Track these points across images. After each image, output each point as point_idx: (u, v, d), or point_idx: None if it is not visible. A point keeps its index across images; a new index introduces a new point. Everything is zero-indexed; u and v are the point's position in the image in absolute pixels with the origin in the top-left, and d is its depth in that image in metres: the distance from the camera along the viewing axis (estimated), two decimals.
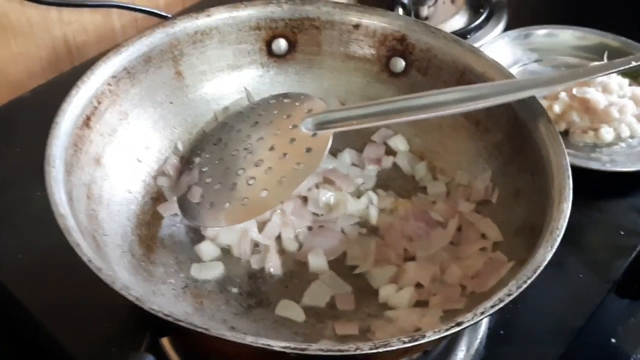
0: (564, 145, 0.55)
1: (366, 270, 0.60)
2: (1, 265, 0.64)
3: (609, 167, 0.74)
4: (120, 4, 0.95)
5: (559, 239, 0.49)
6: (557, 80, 0.60)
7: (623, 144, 0.78)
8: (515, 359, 0.61)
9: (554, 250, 0.48)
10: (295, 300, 0.57)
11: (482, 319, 0.44)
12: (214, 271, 0.59)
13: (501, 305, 0.45)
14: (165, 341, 0.58)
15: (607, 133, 0.77)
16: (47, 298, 0.62)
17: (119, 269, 0.53)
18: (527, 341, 0.63)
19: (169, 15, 0.97)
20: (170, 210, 0.62)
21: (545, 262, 0.47)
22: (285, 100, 0.63)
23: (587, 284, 0.67)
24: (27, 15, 0.86)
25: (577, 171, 0.71)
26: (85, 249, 0.46)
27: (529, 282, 0.46)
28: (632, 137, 0.79)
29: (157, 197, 0.63)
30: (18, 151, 0.76)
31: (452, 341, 0.61)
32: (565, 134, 0.79)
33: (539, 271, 0.47)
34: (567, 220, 0.50)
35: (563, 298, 0.66)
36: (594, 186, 0.74)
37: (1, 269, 0.64)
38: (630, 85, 0.82)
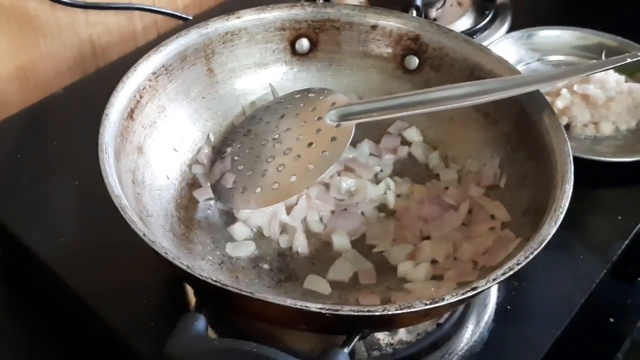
0: (565, 134, 0.60)
1: (385, 249, 0.65)
2: (45, 248, 0.69)
3: (608, 158, 0.79)
4: (142, 7, 0.99)
5: (561, 216, 0.54)
6: (559, 76, 0.64)
7: (621, 136, 0.83)
8: (521, 333, 0.66)
9: (557, 225, 0.53)
10: (322, 275, 0.62)
11: (494, 284, 0.49)
12: (247, 249, 0.64)
13: (511, 272, 0.50)
14: None
15: (606, 127, 0.82)
16: (88, 277, 0.67)
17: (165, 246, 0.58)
18: (532, 316, 0.67)
19: (189, 17, 1.02)
20: (205, 195, 0.67)
21: (550, 236, 0.52)
22: (309, 95, 0.68)
23: (587, 265, 0.71)
24: (56, 17, 0.91)
25: (579, 161, 0.76)
26: (139, 225, 0.51)
27: (535, 253, 0.51)
28: (628, 129, 0.84)
29: (192, 183, 0.68)
30: (55, 144, 0.81)
31: (463, 316, 0.66)
32: (567, 127, 0.83)
33: (544, 244, 0.52)
34: (569, 199, 0.55)
35: (565, 277, 0.71)
36: (594, 175, 0.79)
37: (45, 252, 0.69)
38: (626, 81, 0.86)
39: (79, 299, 0.66)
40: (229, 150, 0.68)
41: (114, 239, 0.66)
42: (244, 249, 0.64)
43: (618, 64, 0.65)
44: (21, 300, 0.74)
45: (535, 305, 0.69)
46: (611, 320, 0.81)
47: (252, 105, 0.73)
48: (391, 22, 0.72)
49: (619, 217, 0.76)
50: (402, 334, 0.64)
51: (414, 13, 0.73)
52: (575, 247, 0.73)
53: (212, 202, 0.67)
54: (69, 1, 0.90)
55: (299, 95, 0.69)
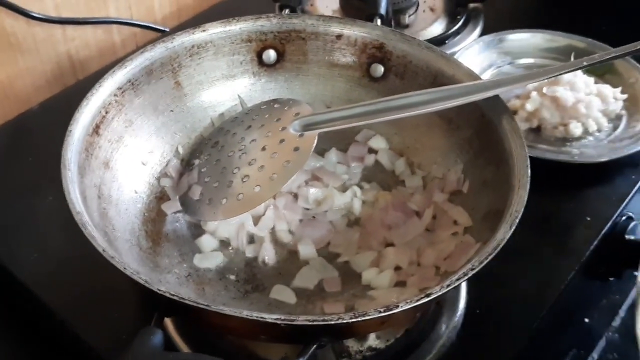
0: (524, 139, 0.61)
1: (349, 258, 0.65)
2: (19, 264, 0.70)
3: (577, 159, 0.80)
4: (120, 20, 1.00)
5: (517, 220, 0.54)
6: (517, 80, 0.66)
7: (591, 138, 0.84)
8: (491, 336, 0.67)
9: (512, 230, 0.54)
10: (288, 285, 0.63)
11: (448, 290, 0.50)
12: (215, 260, 0.65)
13: (465, 278, 0.51)
14: (169, 326, 0.64)
15: (575, 128, 0.83)
16: (61, 291, 0.68)
17: (128, 261, 0.59)
18: (502, 319, 0.68)
19: (166, 29, 1.02)
20: (173, 208, 0.68)
21: (504, 241, 0.53)
22: (275, 106, 0.69)
23: (556, 266, 0.72)
24: (33, 33, 0.91)
25: (549, 163, 0.78)
26: (99, 241, 0.52)
27: (489, 258, 0.52)
28: (599, 130, 0.84)
29: (160, 197, 0.69)
30: (30, 160, 0.82)
31: (432, 321, 0.67)
32: (537, 129, 0.84)
33: (498, 249, 0.53)
34: (524, 203, 0.56)
35: (534, 279, 0.71)
36: (565, 177, 0.80)
37: (19, 268, 0.70)
38: (596, 82, 0.87)
39: (52, 312, 0.67)
40: (196, 162, 0.69)
41: (88, 254, 0.66)
42: (211, 260, 0.65)
43: (572, 69, 0.66)
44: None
45: (505, 308, 0.69)
46: (586, 320, 0.82)
47: (220, 117, 0.74)
48: (355, 31, 0.73)
49: (588, 218, 0.76)
50: (372, 340, 0.64)
51: (379, 22, 0.74)
52: (544, 249, 0.74)
53: (179, 214, 0.68)
54: (44, 17, 0.91)
55: (265, 107, 0.70)
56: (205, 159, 0.68)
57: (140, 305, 0.66)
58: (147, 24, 1.03)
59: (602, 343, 0.82)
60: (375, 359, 0.64)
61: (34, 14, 0.89)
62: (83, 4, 0.95)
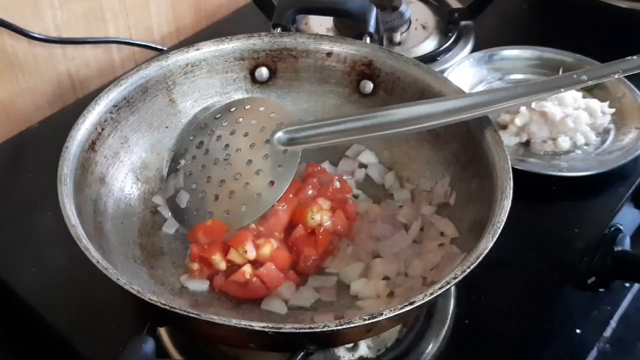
0: (507, 152, 0.62)
1: (338, 270, 0.67)
2: (18, 278, 0.72)
3: (566, 173, 0.81)
4: (119, 40, 1.02)
5: (499, 230, 0.56)
6: (513, 97, 0.67)
7: (579, 151, 0.85)
8: (480, 346, 0.68)
9: (494, 239, 0.55)
10: (281, 297, 0.64)
11: (432, 299, 0.51)
12: (200, 285, 0.65)
13: (448, 287, 0.52)
14: (164, 335, 0.65)
15: (564, 142, 0.84)
16: (58, 304, 0.69)
17: (123, 273, 0.60)
18: (490, 329, 0.69)
19: (164, 48, 1.05)
20: (173, 228, 0.69)
21: (487, 250, 0.54)
22: (260, 109, 0.70)
23: (545, 277, 0.73)
24: (33, 53, 0.93)
25: (538, 177, 0.80)
26: (93, 252, 0.53)
27: (472, 267, 0.53)
28: (587, 144, 0.86)
29: (155, 211, 0.71)
30: (30, 177, 0.84)
31: (422, 331, 0.68)
32: (527, 144, 0.86)
33: (480, 258, 0.54)
34: (507, 214, 0.57)
35: (523, 290, 0.73)
36: (554, 190, 0.81)
37: (18, 282, 0.71)
38: (584, 97, 0.88)
39: (50, 325, 0.68)
40: (182, 162, 0.70)
41: (85, 268, 0.68)
42: (197, 285, 0.65)
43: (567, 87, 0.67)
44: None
45: (494, 319, 0.71)
46: (577, 331, 0.83)
47: (204, 111, 0.75)
48: (345, 49, 0.75)
49: (576, 230, 0.78)
50: (363, 350, 0.66)
51: (368, 39, 0.76)
52: (533, 261, 0.75)
53: (172, 230, 0.69)
54: (44, 37, 0.93)
55: (249, 107, 0.71)
56: (191, 162, 0.69)
57: (136, 318, 0.68)
58: (145, 43, 1.05)
59: (593, 353, 0.83)
60: None
61: (35, 35, 0.91)
62: (83, 24, 0.97)
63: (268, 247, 0.64)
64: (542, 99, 0.73)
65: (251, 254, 0.63)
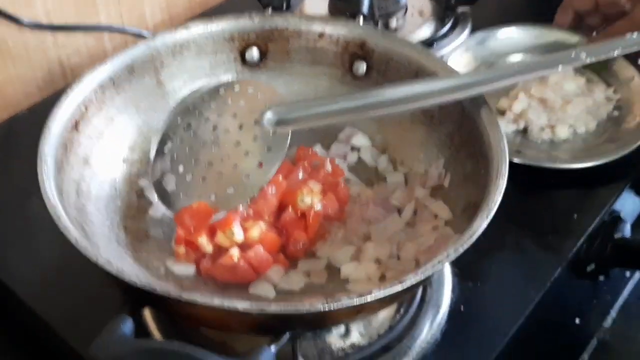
0: (502, 131, 0.60)
1: (329, 254, 0.65)
2: (4, 265, 0.70)
3: (562, 165, 0.78)
4: (111, 27, 1.01)
5: (494, 209, 0.54)
6: (509, 74, 0.65)
7: (579, 140, 0.82)
8: (475, 333, 0.66)
9: (489, 219, 0.53)
10: (267, 280, 0.63)
11: (423, 279, 0.49)
12: (186, 270, 0.63)
13: (440, 266, 0.50)
14: (150, 322, 0.63)
15: (562, 131, 0.82)
16: (46, 293, 0.68)
17: (106, 256, 0.58)
18: (486, 316, 0.68)
19: None
20: (159, 211, 0.67)
21: (481, 229, 0.53)
22: (249, 91, 0.68)
23: (543, 263, 0.72)
24: (24, 39, 0.92)
25: (536, 169, 0.77)
26: (72, 232, 0.52)
27: (465, 247, 0.51)
28: (587, 133, 0.83)
29: (141, 194, 0.69)
30: (17, 163, 0.82)
31: (415, 317, 0.66)
32: (524, 131, 0.83)
33: (474, 237, 0.52)
34: (502, 194, 0.55)
35: (519, 277, 0.71)
36: (550, 179, 0.79)
37: (4, 269, 0.70)
38: (589, 80, 0.86)
39: (39, 318, 0.66)
40: (169, 145, 0.68)
41: (74, 254, 0.66)
42: (183, 268, 0.63)
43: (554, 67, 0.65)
44: None
45: (489, 306, 0.69)
46: (577, 320, 0.81)
47: (192, 94, 0.71)
48: (337, 30, 0.73)
49: (575, 216, 0.76)
50: (355, 337, 0.64)
51: (361, 20, 0.74)
52: (530, 247, 0.74)
53: (159, 214, 0.68)
54: (35, 23, 0.91)
55: (238, 88, 0.69)
56: (178, 144, 0.67)
57: (121, 304, 0.66)
58: (138, 31, 1.03)
59: (593, 343, 0.82)
60: (358, 355, 0.63)
61: (25, 21, 0.90)
62: (74, 11, 0.95)
63: (256, 230, 0.62)
64: (538, 76, 0.71)
65: (239, 236, 0.61)
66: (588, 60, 0.63)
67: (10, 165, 0.83)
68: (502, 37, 0.94)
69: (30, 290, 0.68)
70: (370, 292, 0.48)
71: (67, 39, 0.97)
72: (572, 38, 0.91)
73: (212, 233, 0.62)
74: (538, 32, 0.93)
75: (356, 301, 0.47)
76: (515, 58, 0.93)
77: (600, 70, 0.89)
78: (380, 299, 0.48)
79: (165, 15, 1.09)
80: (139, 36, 1.03)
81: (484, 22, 0.97)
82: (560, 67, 0.63)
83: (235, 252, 0.61)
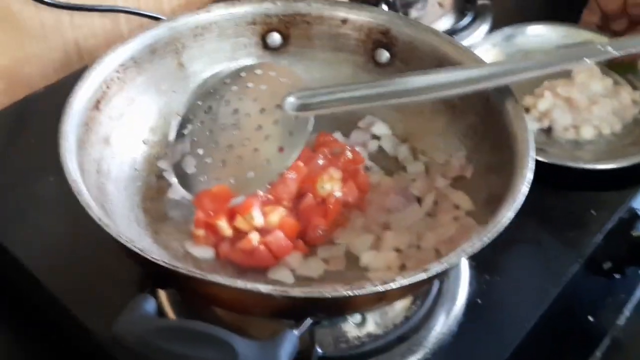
0: (527, 122, 0.60)
1: (348, 242, 0.64)
2: (18, 244, 0.69)
3: (585, 165, 0.77)
4: (128, 9, 1.00)
5: (521, 201, 0.53)
6: (529, 69, 0.64)
7: (603, 141, 0.81)
8: (491, 327, 0.66)
9: (515, 210, 0.53)
10: (286, 266, 0.62)
11: (448, 268, 0.49)
12: (205, 253, 0.62)
13: (464, 256, 0.50)
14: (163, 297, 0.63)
15: (587, 132, 0.81)
16: (63, 276, 0.67)
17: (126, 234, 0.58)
18: (503, 310, 0.67)
19: None
20: (178, 194, 0.66)
21: (507, 220, 0.52)
22: (271, 73, 0.68)
23: (560, 259, 0.71)
24: (40, 19, 0.91)
25: (557, 167, 0.76)
26: (95, 209, 0.51)
27: (491, 237, 0.51)
28: (613, 134, 0.82)
29: (160, 176, 0.68)
30: (33, 142, 0.82)
31: (432, 309, 0.66)
32: (548, 130, 0.82)
33: (501, 228, 0.51)
34: (528, 186, 0.55)
35: (537, 272, 0.71)
36: (572, 178, 0.78)
37: (18, 247, 0.69)
38: (615, 82, 0.85)
39: (50, 294, 0.66)
40: (189, 127, 0.67)
41: (90, 235, 0.66)
42: (202, 251, 0.62)
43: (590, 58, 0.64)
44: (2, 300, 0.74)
45: (506, 300, 0.68)
46: (590, 318, 0.81)
47: (213, 77, 0.72)
48: (361, 16, 0.72)
49: (593, 212, 0.75)
50: (371, 326, 0.63)
51: (385, 7, 0.73)
52: (548, 242, 0.73)
53: (178, 196, 0.67)
54: (52, 2, 0.91)
55: (260, 72, 0.68)
56: (198, 127, 0.67)
57: (136, 285, 0.66)
58: (154, 15, 1.02)
59: (606, 341, 0.81)
60: (373, 344, 0.63)
61: None
62: None
63: (276, 215, 0.62)
64: (564, 68, 0.70)
65: (258, 220, 0.61)
66: (615, 54, 0.62)
67: (26, 144, 0.82)
68: (530, 34, 0.92)
69: (39, 263, 0.68)
70: (394, 280, 0.47)
71: (83, 20, 0.97)
72: (600, 39, 0.89)
73: (231, 217, 0.62)
74: (566, 31, 0.92)
75: (380, 288, 0.47)
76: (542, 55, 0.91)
77: (627, 72, 0.88)
78: (404, 286, 0.48)
79: (182, 0, 1.09)
80: (156, 19, 1.02)
81: (505, 20, 0.96)
82: (587, 60, 0.62)
83: (254, 237, 0.60)
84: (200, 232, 0.62)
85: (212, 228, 0.62)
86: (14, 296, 0.73)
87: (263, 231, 0.62)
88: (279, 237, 0.61)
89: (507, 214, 0.52)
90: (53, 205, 0.75)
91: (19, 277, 0.70)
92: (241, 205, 0.62)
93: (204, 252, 0.62)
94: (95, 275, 0.66)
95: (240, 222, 0.61)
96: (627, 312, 0.84)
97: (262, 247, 0.60)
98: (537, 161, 0.58)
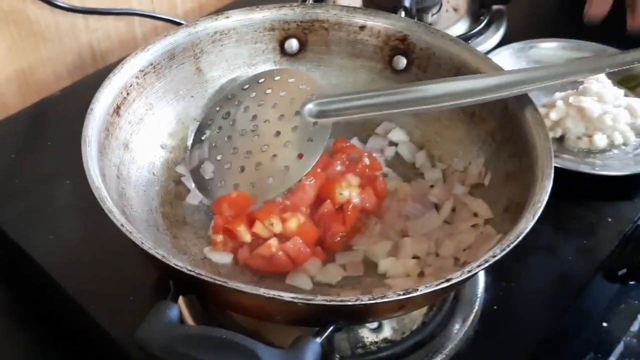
0: (547, 130, 0.60)
1: (365, 248, 0.64)
2: (36, 247, 0.70)
3: (599, 171, 0.77)
4: (142, 13, 1.01)
5: (540, 211, 0.53)
6: (549, 77, 0.64)
7: (616, 151, 0.82)
8: (508, 333, 0.66)
9: (535, 219, 0.53)
10: (304, 272, 0.62)
11: (469, 276, 0.49)
12: (224, 258, 0.63)
13: (486, 265, 0.50)
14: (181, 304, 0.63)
15: (600, 140, 0.81)
16: (80, 277, 0.67)
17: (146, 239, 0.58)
18: (519, 317, 0.67)
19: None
20: (196, 199, 0.67)
21: (527, 230, 0.52)
22: (290, 80, 0.68)
23: (576, 266, 0.71)
24: (56, 22, 0.92)
25: (571, 174, 0.77)
26: (117, 215, 0.51)
27: (512, 246, 0.51)
28: (625, 144, 0.82)
29: (178, 181, 0.69)
30: (49, 145, 0.82)
31: (449, 315, 0.66)
32: (560, 139, 0.82)
33: (521, 237, 0.51)
34: (548, 195, 0.55)
35: (553, 278, 0.71)
36: (587, 186, 0.78)
37: (35, 250, 0.69)
38: (626, 95, 0.85)
39: (69, 298, 0.66)
40: (207, 133, 0.68)
41: (106, 239, 0.66)
42: (220, 257, 0.63)
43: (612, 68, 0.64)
44: (20, 301, 0.74)
45: (523, 306, 0.69)
46: (604, 324, 0.81)
47: (231, 82, 0.73)
48: (379, 23, 0.72)
49: (609, 219, 0.75)
50: (387, 332, 0.63)
51: (403, 14, 0.74)
52: (564, 249, 0.73)
53: (196, 201, 0.67)
54: (68, 6, 0.91)
55: (279, 78, 0.69)
56: (217, 133, 0.67)
57: (154, 289, 0.66)
58: (168, 17, 1.03)
59: (619, 348, 0.81)
60: (390, 350, 0.63)
61: (58, 3, 0.89)
62: None
63: (295, 221, 0.62)
64: (584, 78, 0.70)
65: (277, 227, 0.61)
66: (635, 63, 0.62)
67: (41, 147, 0.83)
68: (541, 48, 0.93)
69: (56, 266, 0.68)
70: (417, 289, 0.47)
71: (98, 23, 0.97)
72: (607, 51, 0.90)
73: (250, 223, 0.62)
74: (575, 44, 0.93)
75: (403, 296, 0.47)
76: None
77: (636, 87, 0.88)
78: (425, 295, 0.48)
79: (195, 3, 1.09)
80: (170, 22, 1.03)
81: (520, 26, 0.96)
82: (607, 70, 0.62)
83: (274, 243, 0.61)
84: (219, 237, 0.62)
85: (231, 234, 0.62)
86: (30, 298, 0.73)
87: (282, 237, 0.62)
88: (297, 243, 0.61)
89: (529, 223, 0.52)
90: (70, 208, 0.75)
91: (37, 279, 0.70)
92: (261, 211, 0.62)
93: (222, 258, 0.62)
94: (115, 279, 0.67)
95: (259, 228, 0.62)
96: None
97: (280, 253, 0.60)
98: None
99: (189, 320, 0.63)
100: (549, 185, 0.55)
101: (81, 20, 0.95)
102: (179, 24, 1.02)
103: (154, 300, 0.64)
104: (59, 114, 0.88)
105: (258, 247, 0.61)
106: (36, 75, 0.94)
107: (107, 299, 0.65)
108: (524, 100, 0.63)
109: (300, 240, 0.61)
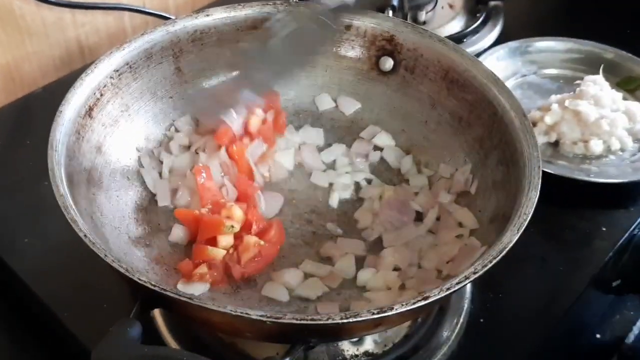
0: (536, 138, 0.57)
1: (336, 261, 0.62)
2: (10, 248, 0.68)
3: (594, 179, 0.74)
4: (132, 7, 0.98)
5: (525, 223, 0.51)
6: None
7: (613, 157, 0.79)
8: (494, 347, 0.64)
9: (519, 233, 0.50)
10: (279, 281, 0.60)
11: (448, 294, 0.47)
12: (199, 288, 0.59)
13: (467, 282, 0.47)
14: (158, 319, 0.61)
15: (596, 145, 0.78)
16: (51, 280, 0.65)
17: (115, 249, 0.56)
18: (507, 330, 0.65)
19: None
20: (165, 201, 0.65)
21: (511, 244, 0.50)
22: None
23: (569, 277, 0.69)
24: (42, 17, 0.90)
25: (565, 180, 0.74)
26: (81, 225, 0.49)
27: (494, 261, 0.49)
28: (622, 150, 0.79)
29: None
30: (29, 143, 0.80)
31: (433, 327, 0.63)
32: (555, 144, 0.80)
33: (504, 252, 0.49)
34: (534, 206, 0.52)
35: (544, 290, 0.68)
36: (582, 193, 0.76)
37: (9, 252, 0.68)
38: (624, 99, 0.82)
39: (41, 302, 0.65)
40: None
41: (82, 245, 0.64)
42: (195, 288, 0.59)
43: None
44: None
45: (511, 319, 0.66)
46: (597, 336, 0.79)
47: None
48: (365, 22, 0.70)
49: (604, 229, 0.73)
50: (369, 345, 0.61)
51: (390, 13, 0.71)
52: (555, 259, 0.71)
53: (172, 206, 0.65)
54: (54, 0, 0.89)
55: None
56: None
57: (129, 298, 0.64)
58: (158, 12, 1.00)
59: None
60: None
61: None
62: None
63: (237, 209, 0.61)
64: None
65: (235, 224, 0.60)
66: None
67: (24, 144, 0.81)
68: (538, 47, 0.90)
69: (31, 270, 0.66)
70: (392, 308, 0.45)
71: (86, 18, 0.95)
72: (605, 51, 0.89)
73: (212, 242, 0.60)
74: (572, 44, 0.90)
75: (377, 315, 0.45)
76: (552, 72, 0.89)
77: (635, 89, 0.86)
78: (401, 313, 0.46)
79: None
80: (162, 17, 1.00)
81: (516, 23, 0.94)
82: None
83: (251, 239, 0.59)
84: (203, 269, 0.59)
85: (208, 263, 0.59)
86: (12, 301, 0.72)
87: (243, 231, 0.60)
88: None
89: (513, 237, 0.50)
90: (47, 212, 0.72)
91: (11, 282, 0.68)
92: (212, 226, 0.60)
93: (199, 289, 0.59)
94: (87, 283, 0.65)
95: (223, 239, 0.60)
96: (635, 330, 0.81)
97: (262, 242, 0.59)
98: (544, 174, 0.56)
99: (167, 336, 0.60)
100: (535, 196, 0.53)
101: (68, 15, 0.93)
102: (167, 18, 0.99)
103: (129, 307, 0.63)
104: (44, 110, 0.84)
105: (241, 254, 0.59)
106: (21, 70, 0.92)
107: (81, 306, 0.64)
108: (513, 106, 0.61)
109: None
